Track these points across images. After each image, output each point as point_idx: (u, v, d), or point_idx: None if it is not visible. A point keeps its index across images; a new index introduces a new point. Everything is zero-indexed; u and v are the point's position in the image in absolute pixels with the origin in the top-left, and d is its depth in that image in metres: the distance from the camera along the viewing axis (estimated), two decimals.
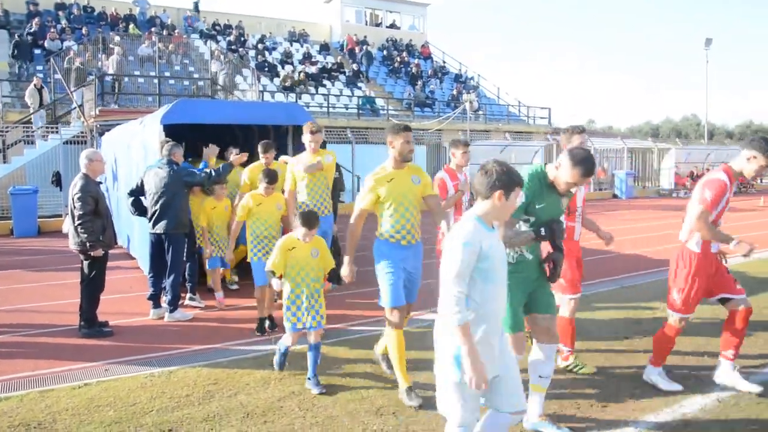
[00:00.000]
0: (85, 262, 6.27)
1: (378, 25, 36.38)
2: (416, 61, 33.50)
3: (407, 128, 4.62)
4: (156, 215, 6.79)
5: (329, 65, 30.44)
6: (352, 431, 4.09)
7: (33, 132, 16.90)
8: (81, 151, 7.01)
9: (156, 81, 20.05)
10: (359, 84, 29.60)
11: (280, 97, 25.03)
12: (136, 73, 21.78)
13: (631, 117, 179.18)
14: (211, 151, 7.98)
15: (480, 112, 29.47)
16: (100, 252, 6.20)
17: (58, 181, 15.39)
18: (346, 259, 4.62)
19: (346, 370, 5.15)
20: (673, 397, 4.56)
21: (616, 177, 25.64)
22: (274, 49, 30.56)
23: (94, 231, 6.12)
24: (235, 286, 8.26)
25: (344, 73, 30.11)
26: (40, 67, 21.38)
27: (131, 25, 26.47)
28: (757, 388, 4.59)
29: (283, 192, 6.70)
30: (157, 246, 6.89)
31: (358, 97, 27.35)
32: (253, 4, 72.71)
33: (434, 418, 4.24)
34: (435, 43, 39.80)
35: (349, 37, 33.24)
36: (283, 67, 28.49)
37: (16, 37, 22.20)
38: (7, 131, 16.73)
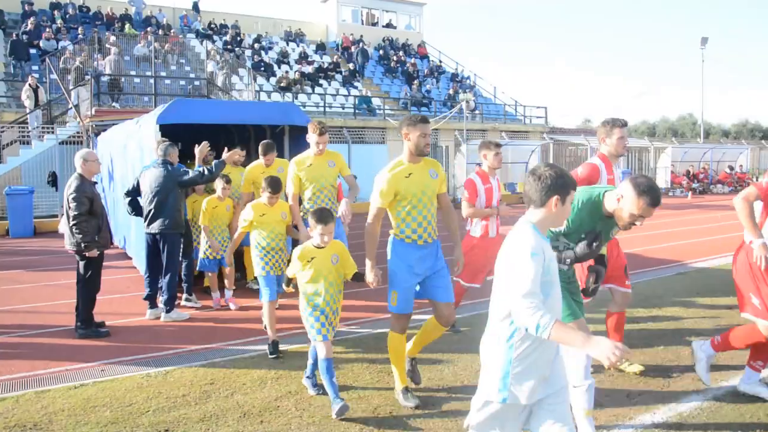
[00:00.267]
0: (81, 263, 6.26)
1: (374, 24, 36.36)
2: (412, 60, 33.49)
3: (424, 120, 4.33)
4: (151, 215, 6.78)
5: (325, 65, 30.42)
6: (349, 431, 4.09)
7: (29, 132, 16.85)
8: (77, 151, 7.00)
9: (152, 81, 20.01)
10: (355, 84, 29.60)
11: (276, 96, 25.01)
12: (132, 72, 21.73)
13: (627, 116, 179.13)
14: (201, 149, 7.92)
15: (476, 112, 29.47)
16: (95, 252, 6.19)
17: (54, 181, 15.38)
18: (368, 263, 4.33)
19: (343, 370, 5.14)
20: (669, 397, 4.57)
21: None
22: (270, 48, 30.51)
23: (89, 231, 6.11)
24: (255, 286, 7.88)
25: (340, 72, 30.10)
26: (35, 67, 21.31)
27: (127, 25, 26.39)
28: None
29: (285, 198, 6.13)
30: (153, 246, 6.88)
31: (355, 96, 27.33)
32: (249, 4, 72.77)
33: (431, 418, 4.25)
34: (431, 42, 39.89)
35: (345, 36, 33.23)
36: (279, 67, 28.45)
37: (12, 36, 22.14)
38: (2, 131, 16.69)
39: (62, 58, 19.52)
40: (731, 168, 30.93)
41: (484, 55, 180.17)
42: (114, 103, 18.30)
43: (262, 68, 27.27)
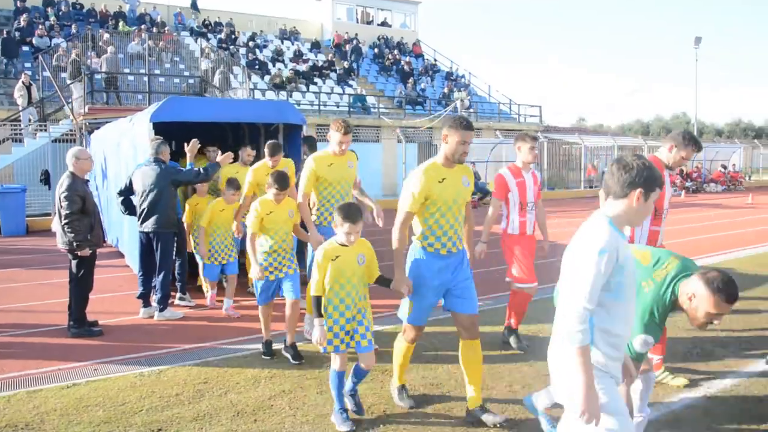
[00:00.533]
0: (73, 262, 6.23)
1: (369, 22, 36.33)
2: (407, 58, 33.49)
3: (468, 126, 3.98)
4: (145, 213, 6.75)
5: (320, 63, 30.38)
6: None
7: (21, 130, 16.76)
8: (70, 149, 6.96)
9: (146, 79, 19.93)
10: (350, 82, 29.57)
11: (270, 95, 24.95)
12: (126, 70, 21.64)
13: (621, 115, 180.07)
14: (191, 147, 7.88)
15: (471, 110, 29.49)
16: (87, 251, 6.16)
17: (46, 179, 15.30)
18: (398, 272, 4.04)
19: None
20: (661, 393, 4.58)
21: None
22: (265, 46, 30.45)
23: (82, 230, 6.08)
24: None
25: (335, 70, 30.06)
26: (28, 65, 21.20)
27: (121, 23, 26.29)
28: None
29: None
30: (146, 244, 6.85)
31: (349, 95, 27.29)
32: (244, 2, 72.49)
33: (424, 417, 4.24)
34: (426, 41, 39.87)
35: (337, 34, 33.18)
36: (274, 65, 28.40)
37: (4, 33, 22.00)
38: None
39: (55, 55, 19.41)
40: (724, 167, 31.09)
41: (477, 52, 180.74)
42: (114, 101, 18.20)
43: (257, 66, 27.21)
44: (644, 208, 2.52)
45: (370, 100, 27.66)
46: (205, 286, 7.45)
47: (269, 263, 5.33)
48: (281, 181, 5.21)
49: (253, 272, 5.35)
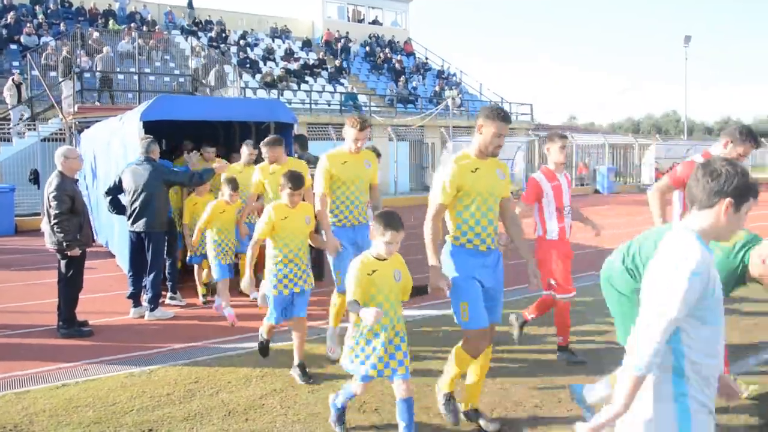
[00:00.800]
0: (63, 262, 6.18)
1: (360, 21, 36.30)
2: (399, 57, 33.50)
3: (506, 118, 3.78)
4: (135, 213, 6.72)
5: (311, 61, 30.32)
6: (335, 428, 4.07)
7: (10, 129, 16.62)
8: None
9: (136, 77, 19.81)
10: (341, 80, 29.53)
11: (262, 93, 24.87)
12: (116, 69, 21.49)
13: (612, 113, 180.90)
14: (193, 158, 7.90)
15: (462, 109, 29.54)
16: (77, 251, 6.12)
17: (35, 178, 15.18)
18: (434, 266, 3.74)
19: (328, 368, 5.13)
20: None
21: (598, 172, 25.93)
22: (256, 45, 30.35)
23: (71, 230, 6.03)
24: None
25: (326, 69, 30.02)
26: (16, 63, 21.01)
27: (111, 21, 26.12)
28: None
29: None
30: (137, 244, 6.82)
31: (341, 93, 27.26)
32: (235, 0, 72.11)
33: (417, 414, 4.24)
34: (417, 39, 39.85)
35: (328, 32, 33.13)
36: (265, 64, 28.31)
37: None
38: None
39: (44, 54, 19.25)
40: None
41: (469, 51, 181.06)
42: (107, 101, 18.07)
43: (248, 65, 27.11)
44: (735, 221, 2.16)
45: (362, 98, 27.64)
46: (201, 289, 7.49)
47: (284, 275, 4.74)
48: (294, 180, 4.66)
49: (244, 284, 4.86)
